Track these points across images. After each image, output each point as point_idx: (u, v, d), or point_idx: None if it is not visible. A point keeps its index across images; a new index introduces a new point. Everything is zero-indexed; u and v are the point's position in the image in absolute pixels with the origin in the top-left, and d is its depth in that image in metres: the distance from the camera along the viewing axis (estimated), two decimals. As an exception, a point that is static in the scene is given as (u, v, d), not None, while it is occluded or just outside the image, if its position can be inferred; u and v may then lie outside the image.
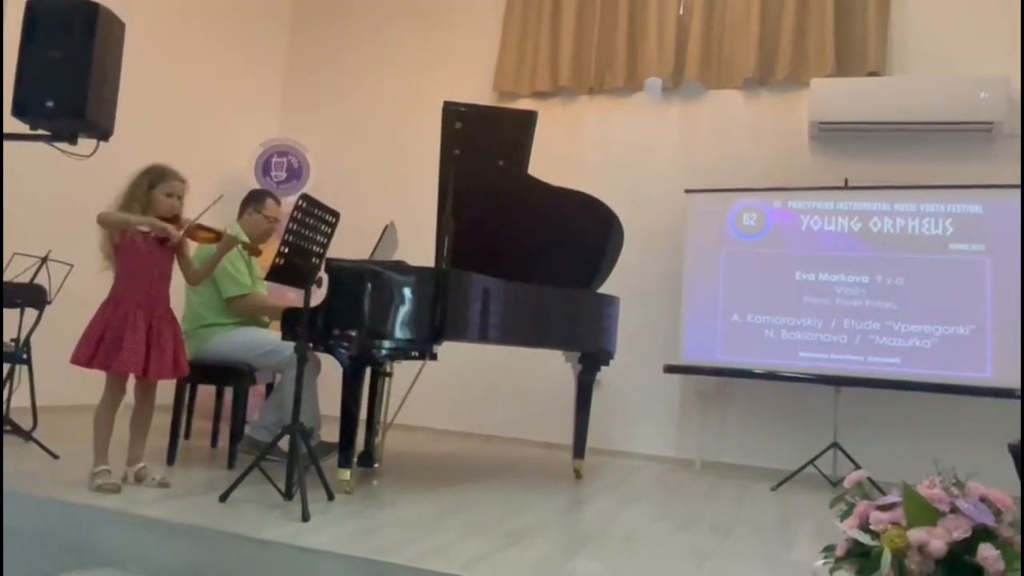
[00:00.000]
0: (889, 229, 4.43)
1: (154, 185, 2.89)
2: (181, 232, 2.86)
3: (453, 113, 3.52)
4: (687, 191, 4.83)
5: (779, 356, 4.47)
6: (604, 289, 3.99)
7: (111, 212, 2.82)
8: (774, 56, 4.97)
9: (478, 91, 5.46)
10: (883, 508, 1.68)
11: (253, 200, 3.88)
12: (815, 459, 4.19)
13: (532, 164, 3.86)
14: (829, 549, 1.77)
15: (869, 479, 1.87)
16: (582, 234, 3.90)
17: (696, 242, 4.76)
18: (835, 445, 4.21)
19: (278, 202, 3.98)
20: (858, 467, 1.93)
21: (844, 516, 1.76)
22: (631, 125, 5.33)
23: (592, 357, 3.90)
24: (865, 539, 1.65)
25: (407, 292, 3.06)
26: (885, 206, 4.45)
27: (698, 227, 4.77)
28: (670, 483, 4.15)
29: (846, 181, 4.58)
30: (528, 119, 3.80)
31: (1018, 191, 4.17)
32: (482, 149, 3.64)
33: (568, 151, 5.30)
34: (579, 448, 3.95)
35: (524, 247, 3.84)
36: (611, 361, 4.00)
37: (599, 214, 3.87)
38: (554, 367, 4.25)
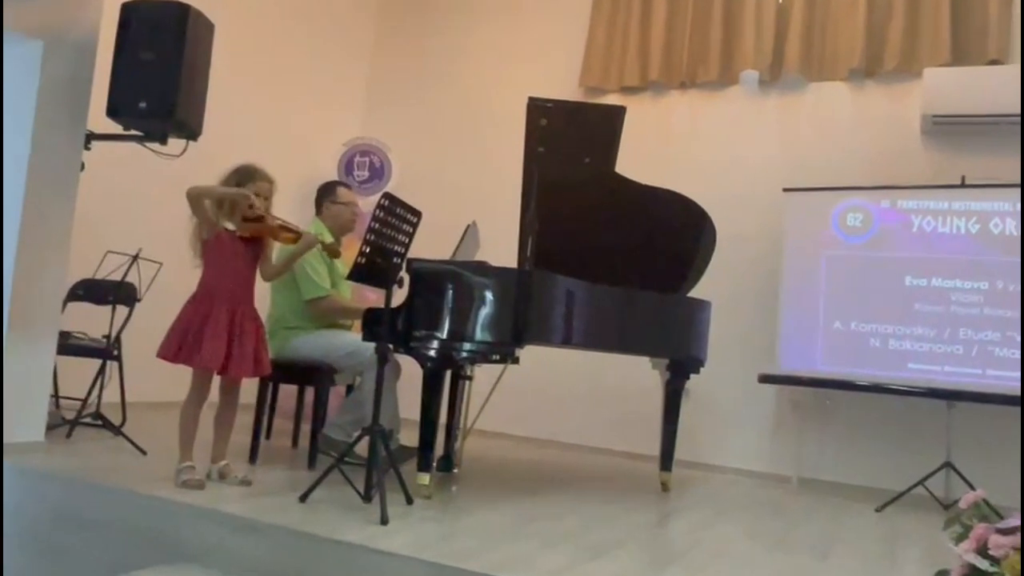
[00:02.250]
0: (1012, 230, 4.12)
1: (242, 184, 2.96)
2: (261, 213, 2.91)
3: (538, 109, 3.47)
4: (785, 190, 4.64)
5: (886, 367, 4.22)
6: (695, 293, 3.88)
7: (198, 185, 2.86)
8: (883, 45, 4.71)
9: (564, 86, 5.40)
10: (1004, 532, 1.58)
11: (326, 194, 3.91)
12: (926, 479, 3.91)
13: (620, 161, 3.75)
14: (942, 574, 1.67)
15: (985, 501, 1.74)
16: (672, 235, 3.81)
17: (795, 244, 4.55)
18: (948, 465, 3.93)
19: (348, 187, 4.04)
20: (973, 489, 1.78)
21: (959, 539, 1.66)
22: (725, 121, 5.16)
23: (681, 365, 3.80)
24: (983, 565, 1.57)
25: (488, 294, 3.02)
26: (1007, 205, 4.14)
27: (797, 228, 4.56)
28: (764, 500, 3.99)
29: (963, 179, 4.30)
30: (616, 115, 3.69)
31: None
32: (568, 146, 3.57)
33: (658, 148, 5.16)
34: (666, 460, 3.85)
35: (610, 248, 3.77)
36: (701, 369, 3.89)
37: (690, 214, 3.77)
38: (641, 374, 4.13)
